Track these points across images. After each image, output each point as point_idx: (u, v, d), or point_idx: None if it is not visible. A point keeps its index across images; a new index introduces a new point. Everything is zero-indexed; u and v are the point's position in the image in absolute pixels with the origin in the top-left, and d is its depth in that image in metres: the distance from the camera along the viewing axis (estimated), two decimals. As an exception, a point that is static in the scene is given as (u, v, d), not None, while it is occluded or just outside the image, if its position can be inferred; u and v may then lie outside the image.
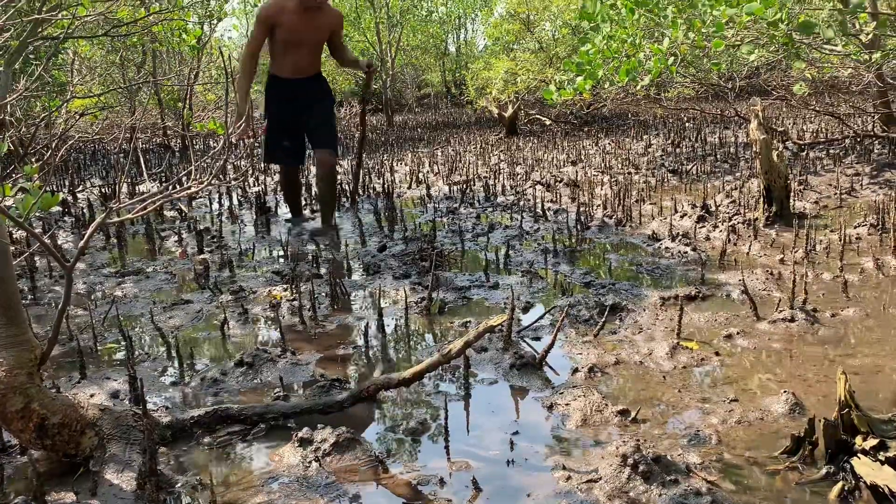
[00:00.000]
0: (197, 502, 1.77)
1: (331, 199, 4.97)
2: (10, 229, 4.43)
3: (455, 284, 3.54)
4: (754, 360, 2.54)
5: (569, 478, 1.81)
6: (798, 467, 1.81)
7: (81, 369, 2.57)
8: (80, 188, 7.13)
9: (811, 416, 1.88)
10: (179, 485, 1.81)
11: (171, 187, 1.58)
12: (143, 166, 1.88)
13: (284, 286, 3.56)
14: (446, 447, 2.00)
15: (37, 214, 5.47)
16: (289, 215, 5.45)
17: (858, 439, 1.76)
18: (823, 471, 1.76)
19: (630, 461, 1.76)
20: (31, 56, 6.69)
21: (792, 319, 2.80)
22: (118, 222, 4.32)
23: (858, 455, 1.73)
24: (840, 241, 3.83)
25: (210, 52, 11.60)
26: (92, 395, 2.39)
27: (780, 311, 2.87)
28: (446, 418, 2.03)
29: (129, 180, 6.94)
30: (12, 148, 7.15)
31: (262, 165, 4.93)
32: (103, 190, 6.70)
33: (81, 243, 1.75)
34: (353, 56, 5.17)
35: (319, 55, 4.98)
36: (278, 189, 6.63)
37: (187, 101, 11.07)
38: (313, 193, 6.10)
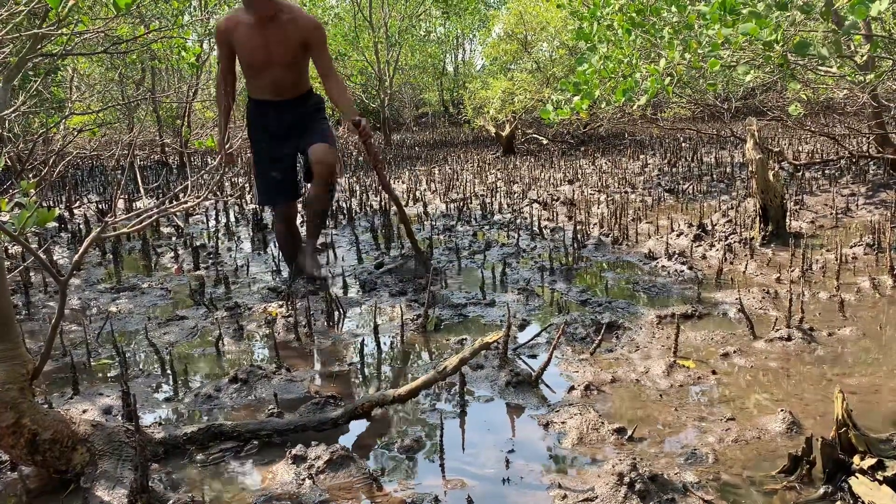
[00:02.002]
0: (189, 520, 1.75)
1: (322, 210, 3.91)
2: (6, 244, 4.42)
3: (451, 302, 3.53)
4: (751, 379, 2.53)
5: (565, 497, 1.79)
6: (796, 487, 1.80)
7: (74, 385, 2.55)
8: (77, 204, 7.12)
9: (808, 435, 1.87)
10: (171, 502, 1.79)
11: (167, 202, 1.58)
12: (141, 182, 1.87)
13: (280, 302, 3.55)
14: (441, 465, 1.98)
15: (33, 230, 5.46)
16: None
17: (856, 459, 1.74)
18: (821, 490, 1.75)
19: (626, 480, 1.75)
20: (31, 73, 6.71)
21: (789, 338, 2.80)
22: (114, 238, 4.28)
23: (856, 475, 1.72)
24: (836, 260, 3.83)
25: (209, 70, 11.66)
26: (84, 411, 2.37)
27: (777, 329, 2.86)
28: (442, 436, 2.02)
29: (126, 196, 6.94)
30: (9, 163, 7.16)
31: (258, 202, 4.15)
32: (100, 206, 6.70)
33: (76, 257, 1.74)
34: (343, 93, 3.76)
35: (303, 72, 3.84)
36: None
37: (186, 119, 11.10)
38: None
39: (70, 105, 6.59)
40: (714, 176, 7.47)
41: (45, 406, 2.11)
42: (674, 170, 8.20)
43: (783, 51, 4.66)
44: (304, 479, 1.89)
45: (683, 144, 10.81)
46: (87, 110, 7.28)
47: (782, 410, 2.15)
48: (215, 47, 3.79)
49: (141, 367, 2.84)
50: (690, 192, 6.74)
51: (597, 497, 1.76)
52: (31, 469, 1.92)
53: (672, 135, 11.93)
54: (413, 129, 18.96)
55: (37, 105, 6.30)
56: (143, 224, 1.75)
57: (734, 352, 2.74)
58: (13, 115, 5.65)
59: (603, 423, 2.16)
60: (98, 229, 1.72)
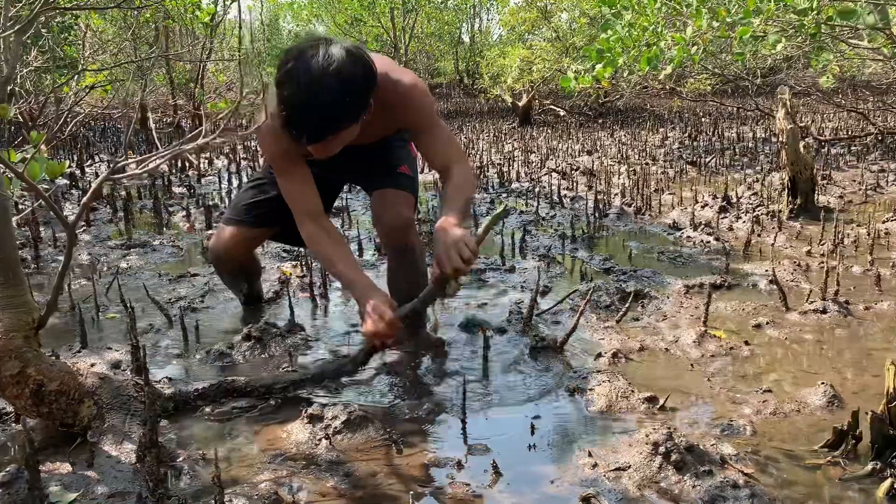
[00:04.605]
0: (199, 477, 1.67)
1: (413, 280, 2.36)
2: (14, 199, 4.33)
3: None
4: (786, 351, 2.42)
5: (595, 465, 1.70)
6: (840, 462, 1.70)
7: (82, 339, 2.47)
8: (89, 163, 7.03)
9: (852, 408, 1.77)
10: (181, 459, 1.71)
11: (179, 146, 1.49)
12: (156, 140, 1.77)
13: (294, 262, 3.46)
14: (463, 430, 1.89)
15: (43, 186, 5.39)
16: None
17: (908, 434, 1.64)
18: (869, 466, 1.64)
19: (662, 450, 1.65)
20: (44, 30, 6.58)
21: (824, 311, 2.68)
22: (125, 196, 4.17)
23: (908, 451, 1.61)
24: (869, 235, 3.70)
25: (223, 34, 11.48)
26: (92, 365, 2.28)
27: (812, 301, 2.74)
28: (464, 399, 1.93)
29: (138, 155, 6.84)
30: (21, 119, 7.07)
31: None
32: (112, 165, 6.62)
33: (86, 199, 1.65)
34: (458, 188, 2.18)
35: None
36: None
37: (199, 80, 10.95)
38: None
39: (83, 63, 6.46)
40: (736, 150, 7.30)
41: (52, 358, 2.03)
42: (695, 143, 8.03)
43: (819, 20, 4.49)
44: (320, 439, 1.80)
45: (704, 119, 10.61)
46: (102, 67, 7.14)
47: (822, 383, 2.04)
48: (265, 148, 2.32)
49: (151, 322, 2.76)
50: (713, 165, 6.58)
51: (629, 466, 1.66)
52: (36, 421, 1.84)
53: (692, 109, 11.70)
54: (427, 99, 18.72)
55: (49, 62, 6.18)
56: (156, 165, 1.65)
57: (766, 323, 2.63)
58: (25, 71, 5.54)
59: (633, 391, 2.05)
60: (108, 170, 1.62)
